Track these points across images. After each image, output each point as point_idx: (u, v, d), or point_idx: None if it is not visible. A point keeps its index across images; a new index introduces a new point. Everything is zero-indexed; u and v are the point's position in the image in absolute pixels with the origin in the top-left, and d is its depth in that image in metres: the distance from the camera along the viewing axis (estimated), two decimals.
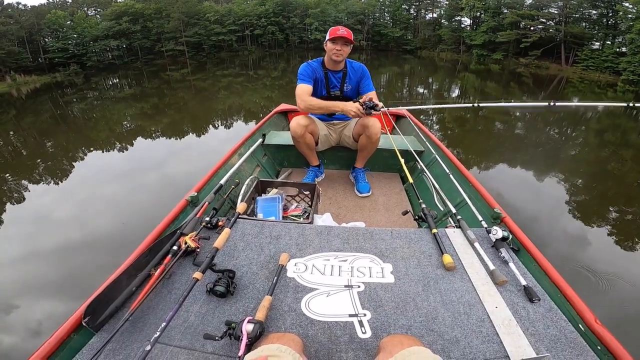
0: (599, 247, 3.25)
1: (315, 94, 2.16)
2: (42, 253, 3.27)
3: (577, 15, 21.95)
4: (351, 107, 1.94)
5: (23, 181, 5.42)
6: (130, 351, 0.94)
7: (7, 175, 5.77)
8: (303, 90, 2.06)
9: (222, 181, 1.79)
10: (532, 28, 23.33)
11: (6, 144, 8.35)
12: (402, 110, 3.28)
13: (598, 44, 21.38)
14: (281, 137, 2.63)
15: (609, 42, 20.54)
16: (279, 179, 2.23)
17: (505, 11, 23.85)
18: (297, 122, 2.10)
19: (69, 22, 26.63)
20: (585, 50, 20.43)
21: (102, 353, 0.91)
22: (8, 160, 6.91)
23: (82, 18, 27.16)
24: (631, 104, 1.27)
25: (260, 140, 2.56)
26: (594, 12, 21.36)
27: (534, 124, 8.85)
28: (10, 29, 24.10)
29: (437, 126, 8.34)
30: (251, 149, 2.37)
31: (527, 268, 1.27)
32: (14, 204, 4.62)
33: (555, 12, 22.63)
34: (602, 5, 20.42)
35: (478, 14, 27.09)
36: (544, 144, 7.07)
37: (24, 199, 4.77)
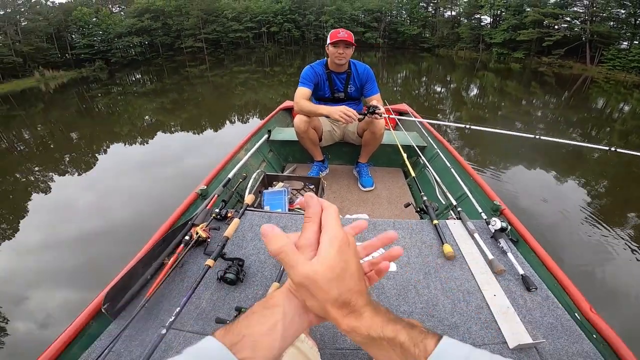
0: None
1: (319, 95, 2.21)
2: (65, 241, 3.41)
3: (604, 15, 21.05)
4: (335, 111, 1.89)
5: (50, 173, 5.68)
6: (145, 336, 0.97)
7: (35, 166, 6.07)
8: (300, 93, 2.10)
9: (230, 175, 1.84)
10: (555, 27, 22.56)
11: (34, 136, 8.74)
12: (405, 106, 3.29)
13: (626, 43, 20.46)
14: (286, 133, 2.66)
15: (637, 42, 19.64)
16: (284, 174, 2.28)
17: (528, 9, 23.13)
18: (300, 118, 2.13)
19: (94, 19, 27.47)
20: (612, 50, 19.57)
21: (120, 339, 0.94)
22: (35, 152, 7.25)
23: (106, 15, 28.00)
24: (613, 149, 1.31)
25: (265, 136, 2.60)
26: (622, 11, 20.45)
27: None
28: (38, 26, 25.15)
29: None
30: (257, 145, 2.40)
31: (525, 258, 1.29)
32: (40, 194, 4.85)
33: (581, 10, 21.80)
34: (630, 4, 19.51)
35: (498, 11, 26.39)
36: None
37: (50, 189, 5.00)
